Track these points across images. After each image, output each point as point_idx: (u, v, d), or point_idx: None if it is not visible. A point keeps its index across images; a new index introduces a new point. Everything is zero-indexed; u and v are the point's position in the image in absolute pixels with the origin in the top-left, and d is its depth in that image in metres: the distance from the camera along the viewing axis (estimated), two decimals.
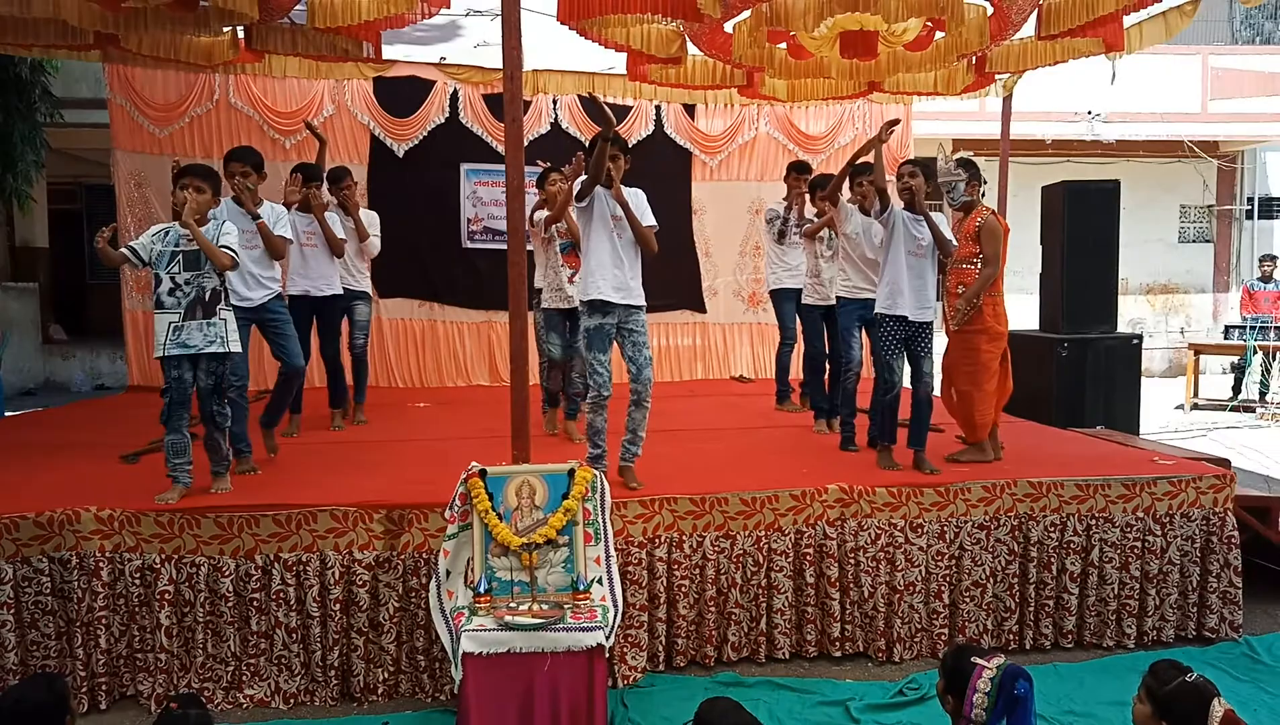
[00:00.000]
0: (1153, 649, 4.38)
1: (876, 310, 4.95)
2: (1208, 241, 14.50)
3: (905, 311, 4.81)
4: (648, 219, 4.46)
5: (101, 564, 3.74)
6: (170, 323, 4.07)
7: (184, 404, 4.11)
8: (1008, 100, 7.89)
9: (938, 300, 4.94)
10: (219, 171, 4.44)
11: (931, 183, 4.91)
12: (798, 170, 6.79)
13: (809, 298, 6.32)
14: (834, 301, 5.90)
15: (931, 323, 4.91)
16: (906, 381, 4.97)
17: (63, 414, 7.25)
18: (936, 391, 5.14)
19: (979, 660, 2.60)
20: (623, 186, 4.42)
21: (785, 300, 6.69)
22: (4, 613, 3.68)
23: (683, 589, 4.05)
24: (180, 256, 4.09)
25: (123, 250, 4.15)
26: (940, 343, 4.88)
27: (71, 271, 13.93)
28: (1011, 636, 4.36)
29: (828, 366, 6.18)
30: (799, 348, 6.58)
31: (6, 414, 8.24)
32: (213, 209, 4.26)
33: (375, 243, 6.34)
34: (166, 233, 4.16)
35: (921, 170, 4.92)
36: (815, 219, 6.29)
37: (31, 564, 3.72)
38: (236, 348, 4.22)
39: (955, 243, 4.88)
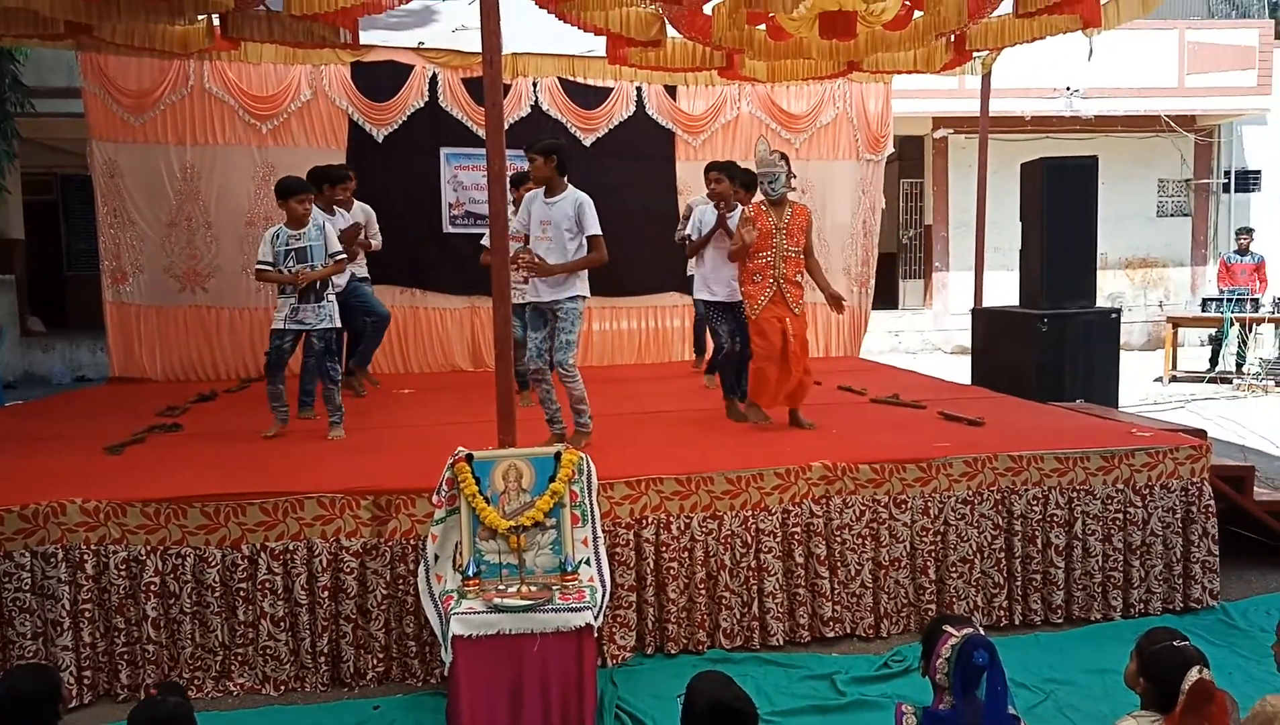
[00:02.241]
0: (1138, 620, 4.43)
1: (702, 297, 6.04)
2: (1186, 215, 14.61)
3: (720, 297, 5.87)
4: (592, 228, 4.86)
5: (86, 557, 3.73)
6: (290, 304, 5.23)
7: (281, 365, 5.31)
8: (986, 77, 7.93)
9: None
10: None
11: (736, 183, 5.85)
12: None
13: None
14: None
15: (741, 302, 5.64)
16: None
17: (44, 406, 7.21)
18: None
19: (949, 628, 2.65)
20: (574, 193, 4.87)
21: None
22: None
23: (671, 571, 4.06)
24: (292, 252, 5.21)
25: (262, 267, 5.27)
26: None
27: (48, 263, 13.77)
28: (1002, 613, 4.38)
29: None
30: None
31: None
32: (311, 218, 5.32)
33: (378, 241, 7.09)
34: (277, 235, 5.25)
35: (726, 174, 5.91)
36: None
37: (14, 559, 3.69)
38: (338, 323, 5.48)
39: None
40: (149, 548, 3.78)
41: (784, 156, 5.39)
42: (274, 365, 5.30)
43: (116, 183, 8.13)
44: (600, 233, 4.88)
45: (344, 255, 5.41)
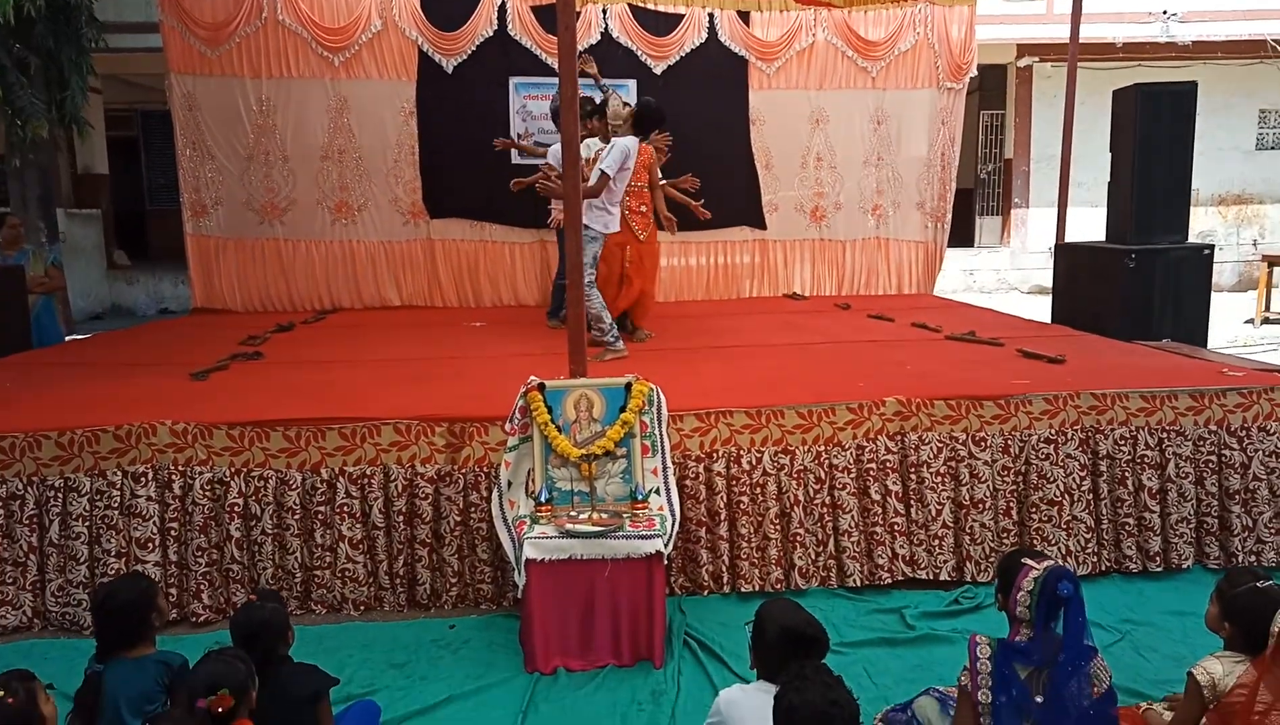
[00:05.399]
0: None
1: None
2: None
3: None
4: (600, 165, 5.61)
5: (174, 477, 3.85)
6: None
7: None
8: (1078, 0, 7.52)
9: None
10: None
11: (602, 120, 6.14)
12: None
13: None
14: None
15: None
16: None
17: (131, 336, 7.46)
18: None
19: (1029, 561, 2.60)
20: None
21: None
22: (79, 524, 3.80)
23: (741, 506, 4.02)
24: None
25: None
26: None
27: (131, 197, 14.18)
28: (1094, 559, 4.19)
29: None
30: None
31: (78, 337, 8.50)
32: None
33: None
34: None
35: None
36: None
37: (106, 477, 3.84)
38: None
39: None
40: (233, 469, 3.90)
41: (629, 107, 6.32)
42: None
43: (195, 116, 8.27)
44: (604, 171, 5.54)
45: None
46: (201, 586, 3.84)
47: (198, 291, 8.54)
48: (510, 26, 8.42)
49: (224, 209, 8.44)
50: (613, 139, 5.75)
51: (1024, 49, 12.91)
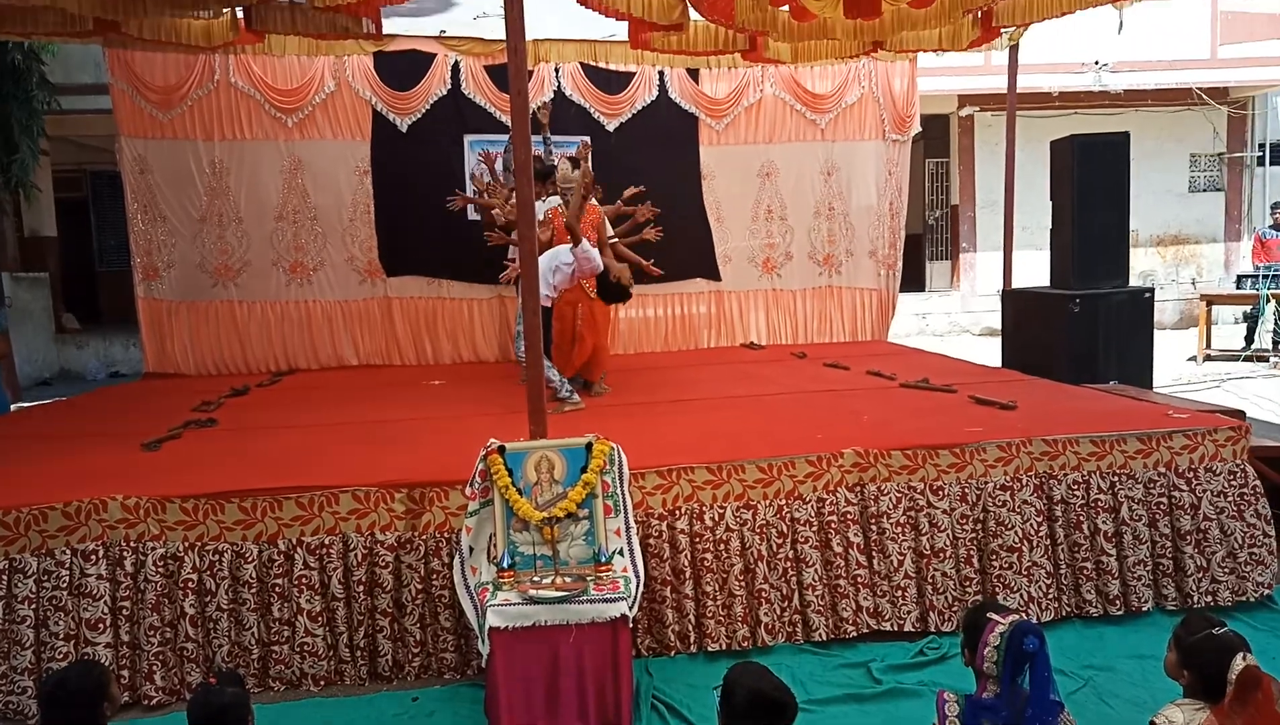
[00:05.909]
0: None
1: None
2: (1219, 190, 14.32)
3: None
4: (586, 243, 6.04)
5: (125, 554, 3.76)
6: None
7: None
8: (1014, 53, 7.80)
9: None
10: None
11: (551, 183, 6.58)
12: None
13: None
14: None
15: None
16: None
17: (81, 403, 7.28)
18: None
19: (994, 616, 2.63)
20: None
21: None
22: (25, 607, 3.66)
23: (705, 563, 4.00)
24: None
25: None
26: None
27: (80, 259, 13.94)
28: (1056, 606, 4.23)
29: None
30: None
31: (25, 405, 8.29)
32: None
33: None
34: None
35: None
36: None
37: (54, 557, 3.72)
38: None
39: None
40: (187, 544, 3.81)
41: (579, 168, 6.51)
42: None
43: (147, 179, 8.20)
44: (586, 248, 5.93)
45: None
46: (154, 667, 3.72)
47: (149, 355, 8.39)
48: (464, 85, 8.50)
49: (176, 271, 8.34)
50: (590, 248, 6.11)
51: (965, 99, 13.31)
